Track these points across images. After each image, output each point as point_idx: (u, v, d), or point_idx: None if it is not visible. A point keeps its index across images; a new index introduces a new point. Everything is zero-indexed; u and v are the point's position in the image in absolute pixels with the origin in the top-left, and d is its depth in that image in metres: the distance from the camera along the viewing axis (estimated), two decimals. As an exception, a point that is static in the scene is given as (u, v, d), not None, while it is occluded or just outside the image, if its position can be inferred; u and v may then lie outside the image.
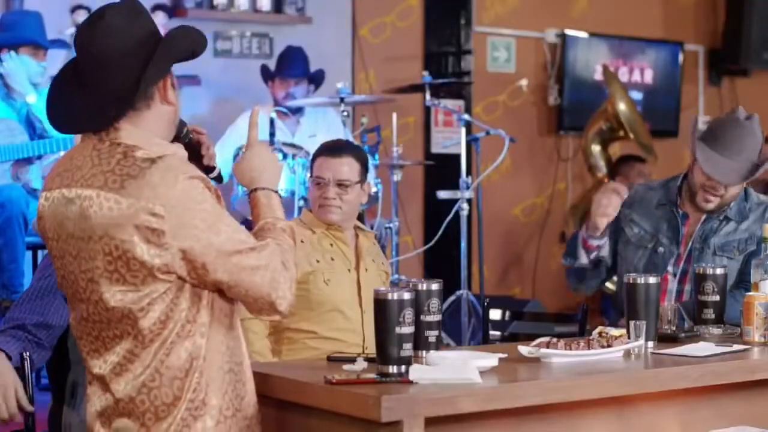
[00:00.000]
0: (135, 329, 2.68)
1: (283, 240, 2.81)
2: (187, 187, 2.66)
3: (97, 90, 2.73)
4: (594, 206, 4.30)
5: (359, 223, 4.10)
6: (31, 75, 6.13)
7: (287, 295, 2.75)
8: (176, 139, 2.94)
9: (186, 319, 2.69)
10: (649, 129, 8.46)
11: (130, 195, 2.64)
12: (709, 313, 3.91)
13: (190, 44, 2.81)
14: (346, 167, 3.98)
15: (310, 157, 4.28)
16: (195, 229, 2.65)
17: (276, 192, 2.94)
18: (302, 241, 3.87)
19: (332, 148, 4.07)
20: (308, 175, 4.28)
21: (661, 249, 4.27)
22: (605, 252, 4.34)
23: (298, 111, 6.85)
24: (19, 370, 3.32)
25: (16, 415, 3.29)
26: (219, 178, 3.15)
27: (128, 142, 2.72)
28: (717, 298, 3.92)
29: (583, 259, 4.35)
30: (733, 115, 4.23)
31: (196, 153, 3.04)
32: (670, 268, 4.26)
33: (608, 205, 4.28)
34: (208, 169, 3.07)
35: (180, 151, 2.85)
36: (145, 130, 2.75)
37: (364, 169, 4.07)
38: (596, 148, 8.41)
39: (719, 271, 3.95)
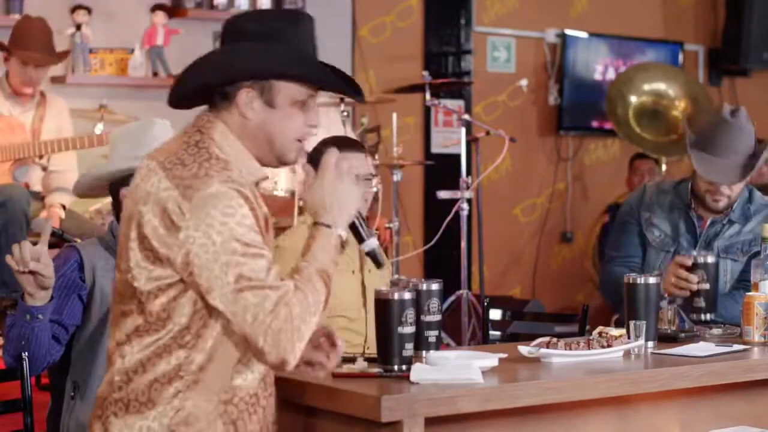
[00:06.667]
0: (140, 310, 2.59)
1: (307, 287, 2.59)
2: (218, 192, 2.54)
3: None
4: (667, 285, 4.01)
5: None
6: None
7: (280, 349, 2.51)
8: None
9: (186, 327, 2.57)
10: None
11: (173, 178, 2.57)
12: (700, 302, 3.91)
13: (266, 62, 2.72)
14: (368, 161, 3.92)
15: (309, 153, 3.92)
16: (207, 239, 2.52)
17: (335, 228, 2.67)
18: None
19: (346, 143, 3.94)
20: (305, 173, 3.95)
21: (682, 253, 4.25)
22: None
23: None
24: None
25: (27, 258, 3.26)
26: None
27: (212, 136, 2.66)
28: (707, 286, 3.91)
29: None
30: (720, 115, 4.23)
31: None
32: None
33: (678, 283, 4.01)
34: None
35: (251, 167, 2.69)
36: (235, 136, 2.67)
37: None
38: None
39: (710, 259, 3.95)
